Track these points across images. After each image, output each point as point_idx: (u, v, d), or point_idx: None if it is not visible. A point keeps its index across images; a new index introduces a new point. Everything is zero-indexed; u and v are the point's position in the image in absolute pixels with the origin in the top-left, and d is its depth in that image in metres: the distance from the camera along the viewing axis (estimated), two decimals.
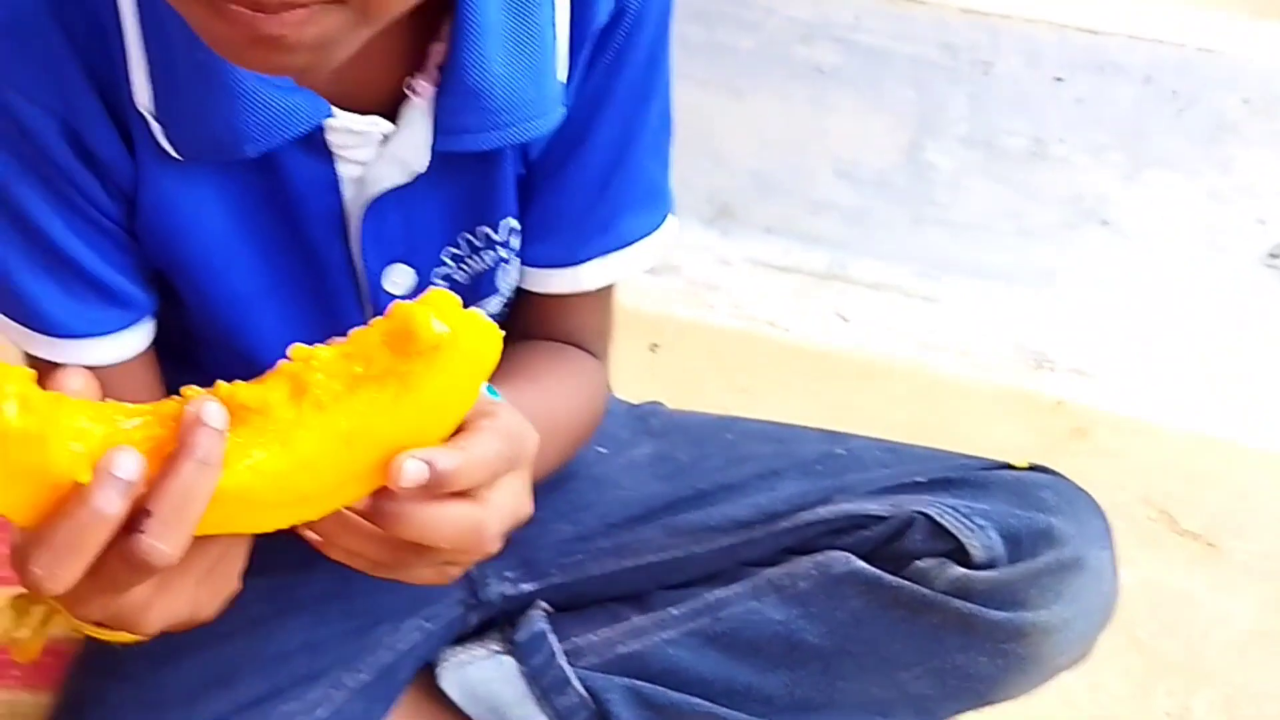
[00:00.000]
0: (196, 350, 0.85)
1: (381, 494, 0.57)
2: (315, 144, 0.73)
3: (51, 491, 0.50)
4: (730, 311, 1.74)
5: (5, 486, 0.49)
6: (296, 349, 0.55)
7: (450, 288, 0.83)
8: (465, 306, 0.59)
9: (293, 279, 0.80)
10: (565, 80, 0.78)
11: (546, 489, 1.00)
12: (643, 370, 1.57)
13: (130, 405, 0.54)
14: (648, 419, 1.05)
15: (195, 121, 0.70)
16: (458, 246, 0.83)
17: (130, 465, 0.51)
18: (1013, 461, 0.98)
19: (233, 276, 0.78)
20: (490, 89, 0.73)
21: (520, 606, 0.99)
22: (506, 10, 0.73)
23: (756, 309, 1.75)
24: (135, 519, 0.52)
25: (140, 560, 0.52)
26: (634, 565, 0.97)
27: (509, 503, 0.64)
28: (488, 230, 0.83)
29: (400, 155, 0.75)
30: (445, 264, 0.83)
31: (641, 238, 0.87)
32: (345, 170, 0.76)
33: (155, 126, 0.71)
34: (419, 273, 0.82)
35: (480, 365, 0.55)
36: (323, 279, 0.80)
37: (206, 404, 0.52)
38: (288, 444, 0.52)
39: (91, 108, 0.71)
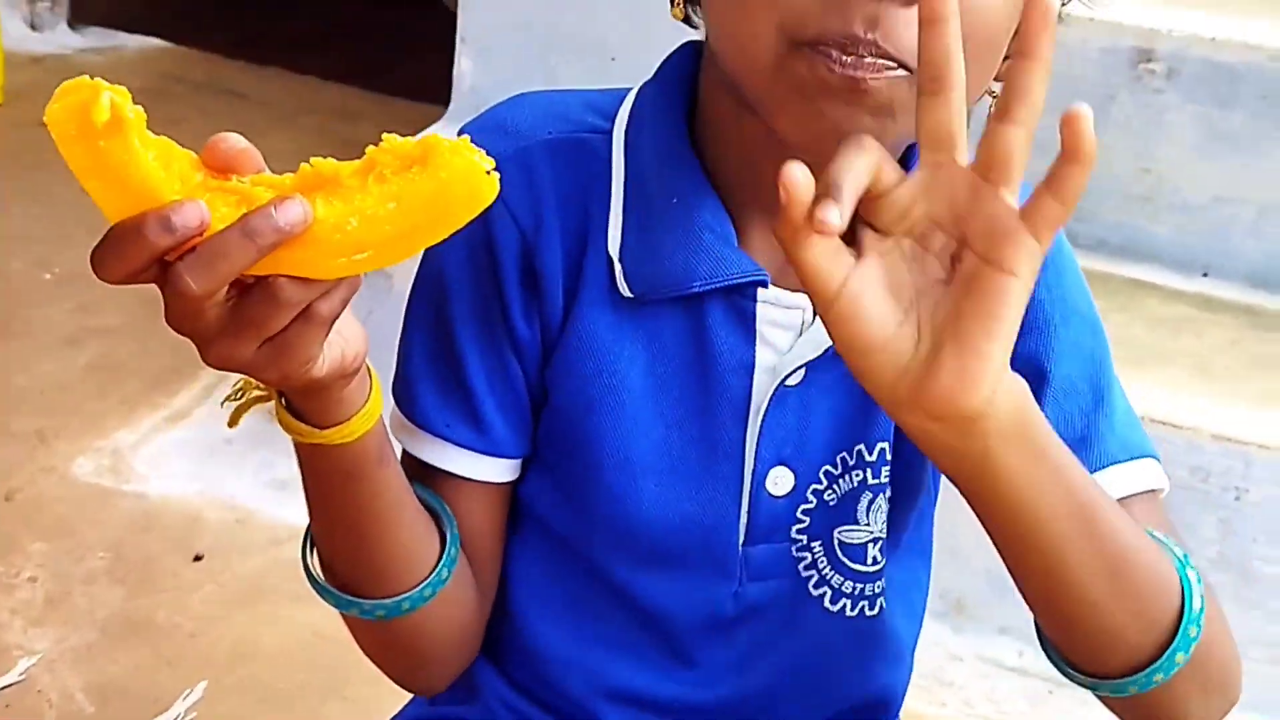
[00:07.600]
0: (566, 520, 0.86)
1: None
2: (745, 319, 0.80)
3: (146, 205, 0.61)
4: (961, 709, 1.71)
5: (109, 189, 0.61)
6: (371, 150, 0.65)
7: (817, 507, 0.85)
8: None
9: (685, 456, 0.83)
10: None
11: None
12: None
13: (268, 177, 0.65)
14: None
15: (656, 262, 0.79)
16: (835, 466, 0.84)
17: (191, 218, 0.61)
18: None
19: (632, 438, 0.82)
20: None
21: None
22: None
23: (988, 709, 1.71)
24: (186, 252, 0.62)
25: (170, 282, 0.62)
26: None
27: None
28: (861, 447, 0.84)
29: (816, 336, 0.80)
30: (820, 480, 0.84)
31: (1143, 455, 0.85)
32: (762, 357, 0.81)
33: (618, 268, 0.80)
34: (797, 480, 0.84)
35: (477, 174, 0.65)
36: (711, 462, 0.83)
37: (289, 201, 0.62)
38: (349, 201, 0.64)
39: (555, 234, 0.80)
